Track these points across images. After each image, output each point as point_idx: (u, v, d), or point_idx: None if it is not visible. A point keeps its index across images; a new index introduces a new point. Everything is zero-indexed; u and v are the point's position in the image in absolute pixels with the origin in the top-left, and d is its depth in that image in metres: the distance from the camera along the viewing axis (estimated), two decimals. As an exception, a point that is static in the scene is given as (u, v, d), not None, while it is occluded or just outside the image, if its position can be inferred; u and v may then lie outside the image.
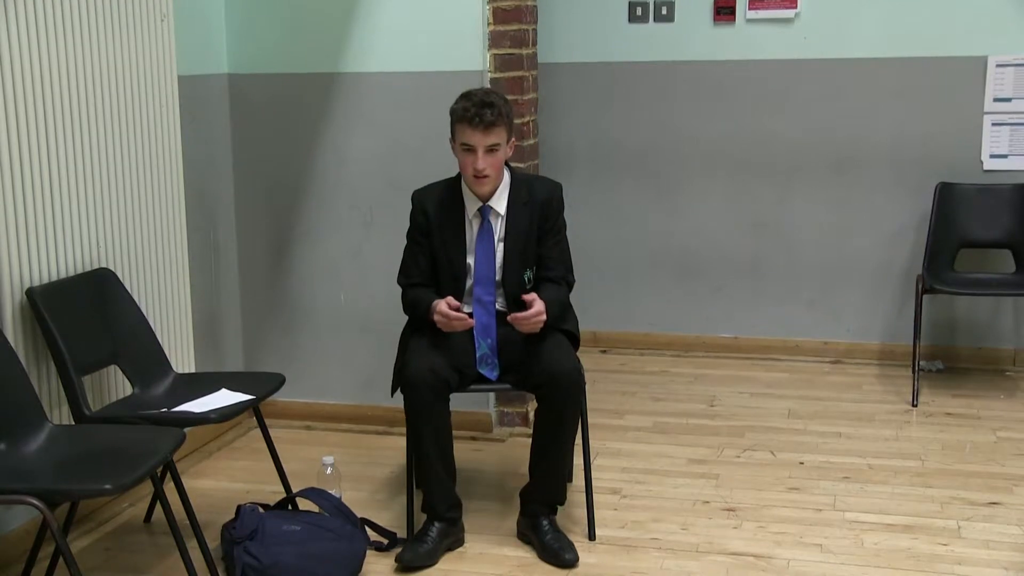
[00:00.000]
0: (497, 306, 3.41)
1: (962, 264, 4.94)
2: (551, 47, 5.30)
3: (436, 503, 3.32)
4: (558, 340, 3.34)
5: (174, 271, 3.79)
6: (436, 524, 3.31)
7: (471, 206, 3.39)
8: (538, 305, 3.23)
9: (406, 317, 3.51)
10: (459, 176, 3.41)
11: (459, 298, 3.36)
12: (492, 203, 3.37)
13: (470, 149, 3.27)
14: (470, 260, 3.39)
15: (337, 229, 4.37)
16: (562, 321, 3.41)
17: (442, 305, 3.26)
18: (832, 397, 4.76)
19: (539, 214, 3.40)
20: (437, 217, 3.40)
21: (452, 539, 3.36)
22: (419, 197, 3.46)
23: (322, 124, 4.31)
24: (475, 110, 3.23)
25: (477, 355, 3.37)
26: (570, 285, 3.49)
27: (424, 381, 3.21)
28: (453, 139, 3.35)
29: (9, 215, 3.08)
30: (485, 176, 3.28)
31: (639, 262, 5.47)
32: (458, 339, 3.34)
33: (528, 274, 3.41)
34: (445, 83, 4.12)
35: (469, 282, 3.40)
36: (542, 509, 3.36)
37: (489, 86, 4.07)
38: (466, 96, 3.30)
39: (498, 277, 3.40)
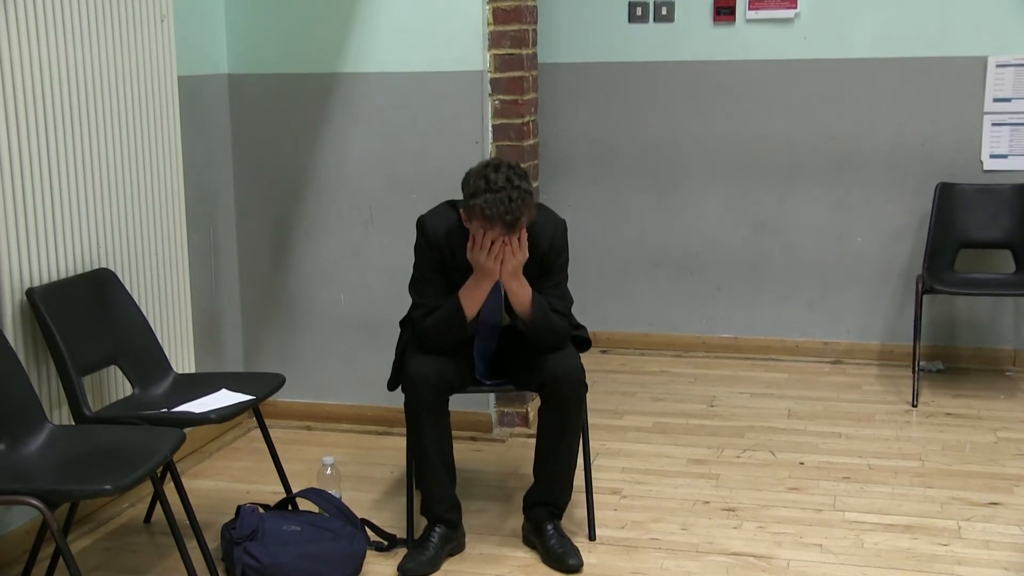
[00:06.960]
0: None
1: (962, 264, 4.94)
2: (551, 47, 5.30)
3: (436, 504, 3.31)
4: None
5: (174, 271, 3.79)
6: (437, 529, 3.29)
7: None
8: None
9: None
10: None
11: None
12: None
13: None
14: None
15: (337, 229, 4.37)
16: (549, 331, 3.27)
17: (470, 244, 3.09)
18: (832, 397, 4.76)
19: (540, 260, 3.25)
20: (448, 249, 3.24)
21: (454, 544, 3.34)
22: (432, 229, 3.25)
23: (322, 124, 4.31)
24: (497, 209, 3.01)
25: (476, 374, 3.40)
26: (564, 319, 3.28)
27: (426, 380, 3.19)
28: (466, 218, 3.14)
29: (9, 215, 3.08)
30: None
31: (639, 262, 5.46)
32: (458, 346, 3.30)
33: None
34: (445, 83, 4.13)
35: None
36: (547, 513, 3.34)
37: (490, 88, 4.09)
38: (487, 187, 3.02)
39: (504, 324, 3.34)
